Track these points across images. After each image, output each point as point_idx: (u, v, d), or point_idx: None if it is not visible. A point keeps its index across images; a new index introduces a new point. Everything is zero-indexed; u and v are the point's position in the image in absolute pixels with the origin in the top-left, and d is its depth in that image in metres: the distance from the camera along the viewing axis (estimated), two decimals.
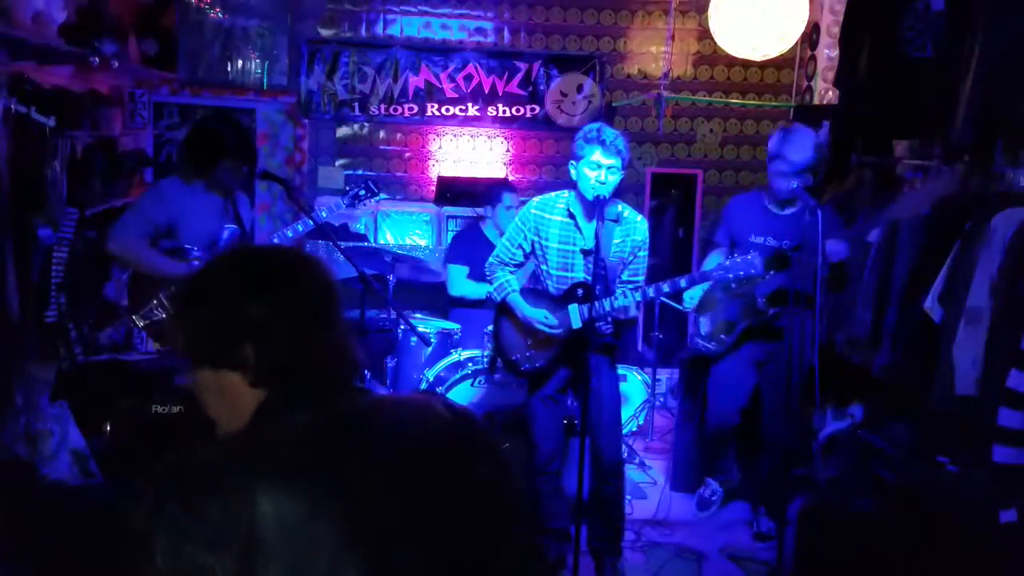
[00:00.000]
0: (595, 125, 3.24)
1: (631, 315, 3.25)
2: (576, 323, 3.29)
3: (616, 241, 3.29)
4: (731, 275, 3.31)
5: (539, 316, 3.32)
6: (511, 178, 5.82)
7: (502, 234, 3.93)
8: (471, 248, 4.74)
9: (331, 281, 1.28)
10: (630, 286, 3.28)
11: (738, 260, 3.27)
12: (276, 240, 3.73)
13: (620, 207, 3.34)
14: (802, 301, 3.71)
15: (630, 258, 3.34)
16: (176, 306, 3.42)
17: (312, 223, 3.61)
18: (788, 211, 3.75)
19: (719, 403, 3.98)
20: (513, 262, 3.44)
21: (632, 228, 3.32)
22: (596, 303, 3.14)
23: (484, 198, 4.86)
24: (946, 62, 3.64)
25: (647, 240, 3.36)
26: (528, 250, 3.41)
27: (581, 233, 3.30)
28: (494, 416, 3.91)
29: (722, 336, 3.90)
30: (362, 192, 3.98)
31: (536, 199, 3.40)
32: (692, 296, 3.89)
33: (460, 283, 4.73)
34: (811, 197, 3.39)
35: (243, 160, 3.51)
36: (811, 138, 3.67)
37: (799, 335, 3.79)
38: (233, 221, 3.61)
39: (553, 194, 3.39)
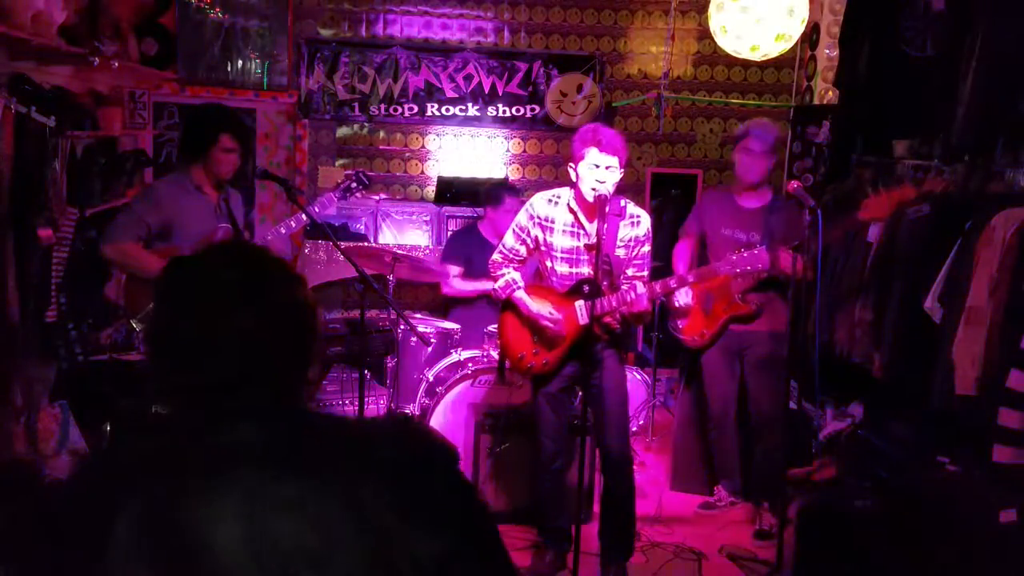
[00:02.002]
0: (591, 125, 3.25)
1: (642, 307, 3.24)
2: (582, 319, 3.29)
3: (620, 236, 3.30)
4: (738, 269, 3.33)
5: (543, 311, 3.33)
6: (511, 179, 5.82)
7: (499, 235, 3.92)
8: (467, 248, 4.73)
9: (241, 295, 1.15)
10: (637, 282, 3.29)
11: (744, 255, 3.31)
12: (270, 237, 3.73)
13: (622, 202, 3.34)
14: (777, 287, 3.83)
15: (633, 252, 3.34)
16: None
17: (304, 218, 3.60)
18: (755, 206, 3.94)
19: (715, 387, 4.06)
20: (517, 259, 3.45)
21: (634, 222, 3.33)
22: (602, 299, 3.13)
23: (485, 198, 4.84)
24: (946, 62, 3.64)
25: (649, 233, 3.36)
26: (531, 246, 3.41)
27: (584, 229, 3.29)
28: (496, 416, 3.91)
29: (704, 331, 4.00)
30: (353, 184, 3.96)
31: (537, 196, 3.40)
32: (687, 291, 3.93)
33: (452, 282, 4.73)
34: (810, 197, 3.39)
35: (238, 139, 3.52)
36: (772, 125, 4.01)
37: (774, 320, 3.88)
38: (227, 220, 3.61)
39: (555, 191, 3.39)
